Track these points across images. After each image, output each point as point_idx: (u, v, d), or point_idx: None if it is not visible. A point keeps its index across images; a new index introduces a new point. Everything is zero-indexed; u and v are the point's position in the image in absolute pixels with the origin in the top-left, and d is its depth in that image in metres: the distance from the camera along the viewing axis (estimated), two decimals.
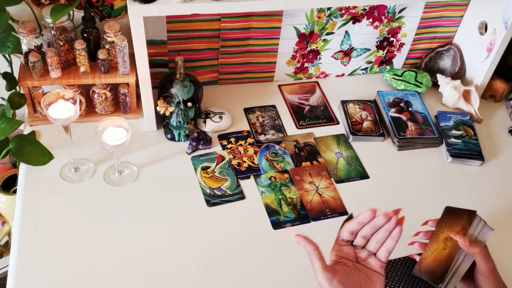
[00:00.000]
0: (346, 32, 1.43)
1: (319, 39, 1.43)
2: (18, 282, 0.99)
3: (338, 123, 1.40)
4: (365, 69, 1.56)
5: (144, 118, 1.30)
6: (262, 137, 1.34)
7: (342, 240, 0.86)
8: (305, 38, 1.42)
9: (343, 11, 1.38)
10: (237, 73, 1.47)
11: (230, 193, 1.19)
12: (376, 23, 1.43)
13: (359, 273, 0.83)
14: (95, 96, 1.30)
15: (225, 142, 1.31)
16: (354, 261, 0.85)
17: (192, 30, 1.33)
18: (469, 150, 1.33)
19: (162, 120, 1.32)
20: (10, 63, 1.27)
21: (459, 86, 1.45)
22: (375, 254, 0.86)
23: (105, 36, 1.23)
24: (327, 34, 1.42)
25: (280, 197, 1.19)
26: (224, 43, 1.38)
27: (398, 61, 1.56)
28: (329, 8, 1.36)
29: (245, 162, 1.27)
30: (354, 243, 0.86)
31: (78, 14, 1.24)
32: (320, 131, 1.37)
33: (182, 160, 1.26)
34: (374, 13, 1.41)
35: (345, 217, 0.89)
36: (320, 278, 0.80)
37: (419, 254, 1.01)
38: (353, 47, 1.48)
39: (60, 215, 1.11)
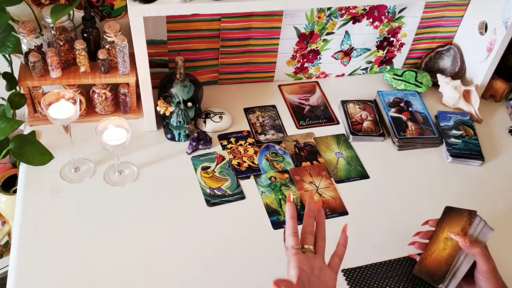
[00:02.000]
0: (346, 32, 1.43)
1: (319, 39, 1.43)
2: (18, 282, 0.99)
3: (338, 123, 1.40)
4: (365, 69, 1.56)
5: (144, 118, 1.30)
6: (262, 137, 1.34)
7: (290, 248, 0.82)
8: (305, 38, 1.42)
9: (343, 11, 1.38)
10: (237, 73, 1.47)
11: (230, 193, 1.19)
12: (376, 23, 1.43)
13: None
14: (95, 96, 1.30)
15: (225, 142, 1.31)
16: (310, 271, 0.80)
17: (192, 30, 1.33)
18: (469, 150, 1.33)
19: (162, 120, 1.32)
20: (10, 63, 1.27)
21: (459, 86, 1.45)
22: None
23: (105, 36, 1.23)
24: (327, 34, 1.42)
25: (280, 197, 1.19)
26: (224, 43, 1.38)
27: (398, 61, 1.56)
28: (329, 8, 1.36)
29: (245, 162, 1.27)
30: (304, 247, 0.82)
31: (78, 14, 1.24)
32: (320, 131, 1.37)
33: (182, 160, 1.26)
34: (374, 13, 1.41)
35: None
36: None
37: (419, 254, 1.01)
38: (353, 47, 1.48)
39: (60, 215, 1.11)
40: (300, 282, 0.77)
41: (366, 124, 1.38)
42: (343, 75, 1.56)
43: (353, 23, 1.41)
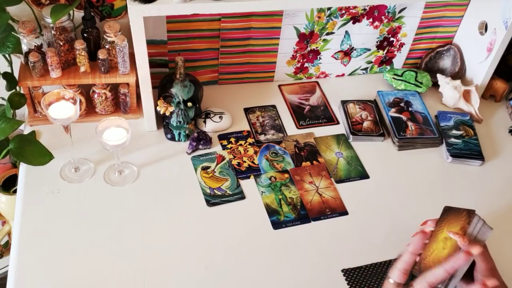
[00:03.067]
0: (346, 32, 1.43)
1: (319, 39, 1.43)
2: (18, 282, 0.99)
3: (338, 123, 1.40)
4: (365, 69, 1.56)
5: (144, 118, 1.30)
6: (262, 137, 1.34)
7: (392, 282, 0.82)
8: (305, 38, 1.42)
9: (343, 11, 1.38)
10: (237, 73, 1.47)
11: (230, 193, 1.19)
12: (376, 23, 1.43)
13: None
14: (95, 96, 1.30)
15: (225, 142, 1.31)
16: None
17: (192, 30, 1.33)
18: (469, 150, 1.33)
19: (162, 120, 1.32)
20: (10, 63, 1.27)
21: (459, 86, 1.45)
22: None
23: (105, 36, 1.23)
24: (327, 34, 1.42)
25: (280, 197, 1.19)
26: (224, 43, 1.38)
27: (398, 61, 1.56)
28: (329, 8, 1.36)
29: (245, 162, 1.27)
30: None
31: (78, 14, 1.24)
32: (320, 131, 1.37)
33: (182, 160, 1.26)
34: (374, 13, 1.41)
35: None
36: None
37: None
38: (353, 47, 1.48)
39: (60, 215, 1.11)
40: None
41: (366, 124, 1.38)
42: (343, 75, 1.56)
43: (353, 23, 1.41)
